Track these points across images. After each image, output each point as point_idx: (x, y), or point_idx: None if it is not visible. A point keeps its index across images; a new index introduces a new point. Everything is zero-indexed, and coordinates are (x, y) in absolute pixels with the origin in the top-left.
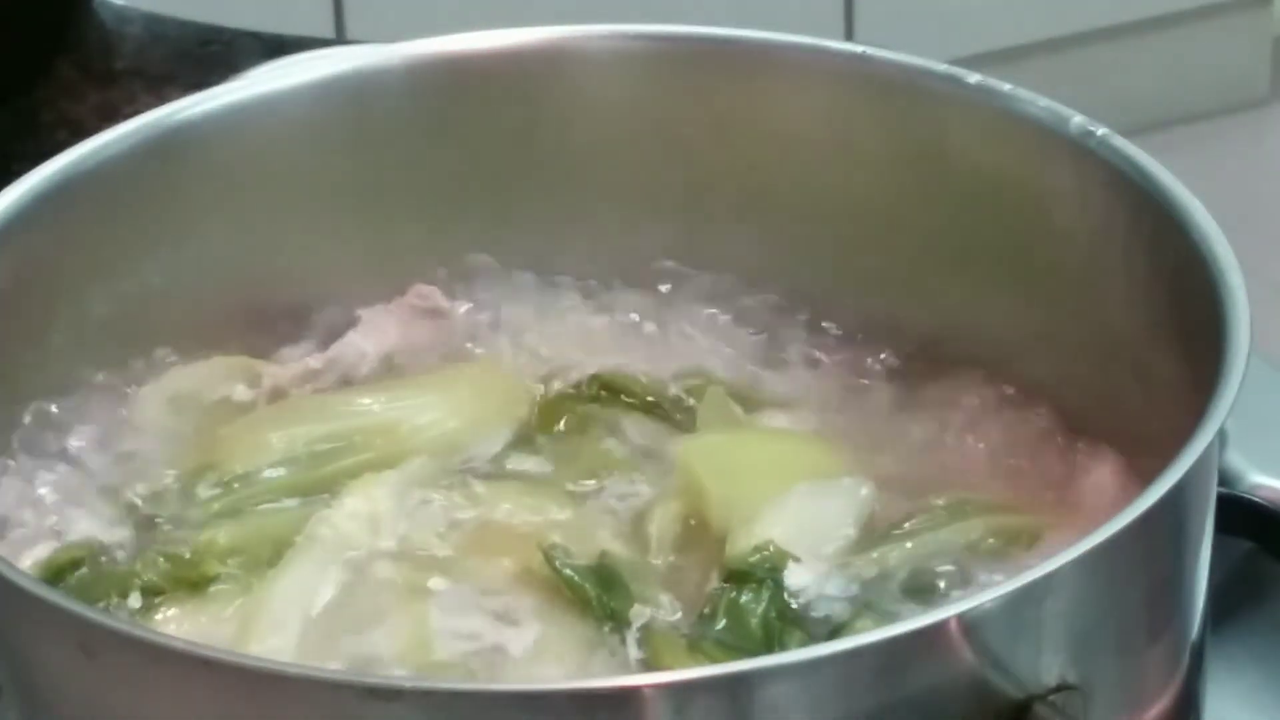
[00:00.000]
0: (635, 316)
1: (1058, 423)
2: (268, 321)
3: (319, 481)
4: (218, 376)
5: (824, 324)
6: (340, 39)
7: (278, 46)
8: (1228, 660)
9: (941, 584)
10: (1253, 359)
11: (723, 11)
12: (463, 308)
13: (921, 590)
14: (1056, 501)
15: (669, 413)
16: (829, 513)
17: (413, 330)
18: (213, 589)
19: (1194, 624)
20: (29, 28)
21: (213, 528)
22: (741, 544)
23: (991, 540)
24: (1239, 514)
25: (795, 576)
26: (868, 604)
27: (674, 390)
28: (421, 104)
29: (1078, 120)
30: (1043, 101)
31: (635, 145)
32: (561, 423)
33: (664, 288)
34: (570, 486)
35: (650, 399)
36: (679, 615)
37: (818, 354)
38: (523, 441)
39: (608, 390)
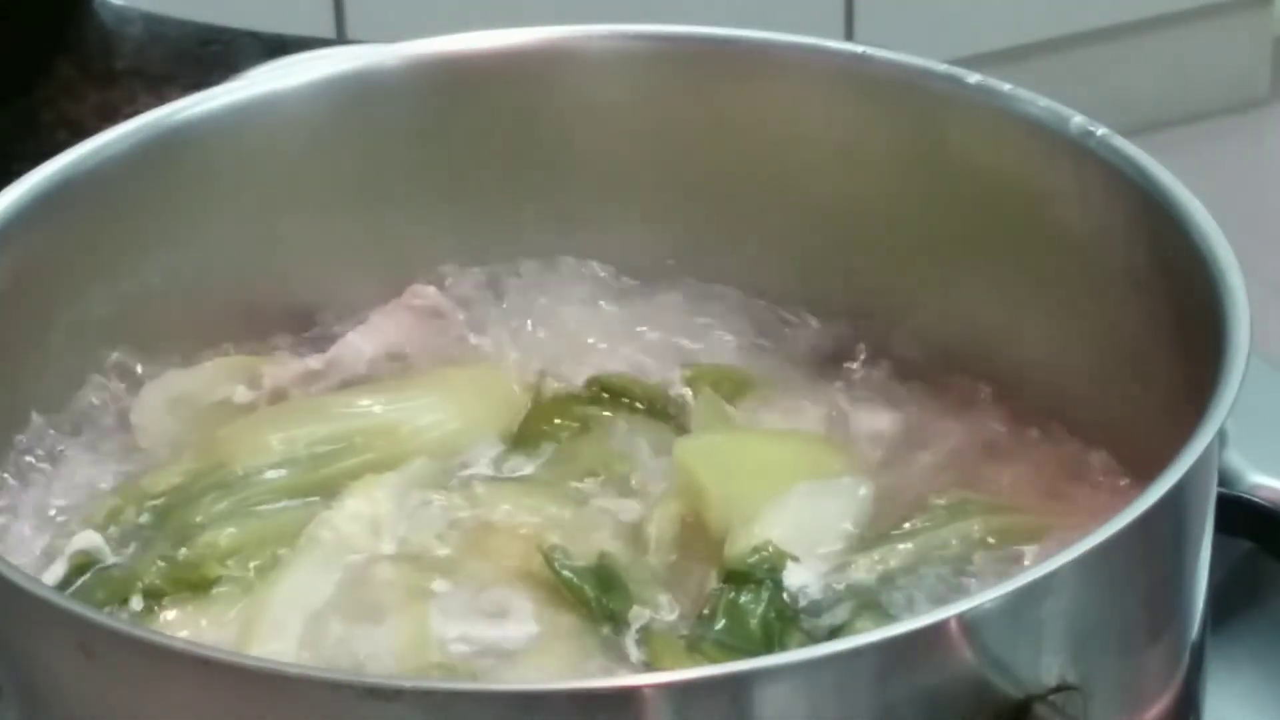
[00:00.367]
0: (635, 317)
1: (1058, 422)
2: (268, 322)
3: (319, 483)
4: (218, 378)
5: (823, 323)
6: (340, 39)
7: (278, 46)
8: (1228, 660)
9: (941, 584)
10: (1253, 359)
11: (723, 11)
12: (462, 308)
13: (921, 590)
14: (1056, 501)
15: (668, 414)
16: (828, 513)
17: (412, 331)
18: (214, 591)
19: (1194, 624)
20: (29, 28)
21: (214, 530)
22: (741, 544)
23: (991, 540)
24: (1239, 514)
25: (795, 576)
26: (868, 604)
27: (673, 391)
28: (421, 104)
29: (1078, 120)
30: (1043, 101)
31: (635, 145)
32: (561, 424)
33: (664, 287)
34: (569, 487)
35: (650, 400)
36: (678, 616)
37: (817, 354)
38: (522, 443)
39: (607, 391)
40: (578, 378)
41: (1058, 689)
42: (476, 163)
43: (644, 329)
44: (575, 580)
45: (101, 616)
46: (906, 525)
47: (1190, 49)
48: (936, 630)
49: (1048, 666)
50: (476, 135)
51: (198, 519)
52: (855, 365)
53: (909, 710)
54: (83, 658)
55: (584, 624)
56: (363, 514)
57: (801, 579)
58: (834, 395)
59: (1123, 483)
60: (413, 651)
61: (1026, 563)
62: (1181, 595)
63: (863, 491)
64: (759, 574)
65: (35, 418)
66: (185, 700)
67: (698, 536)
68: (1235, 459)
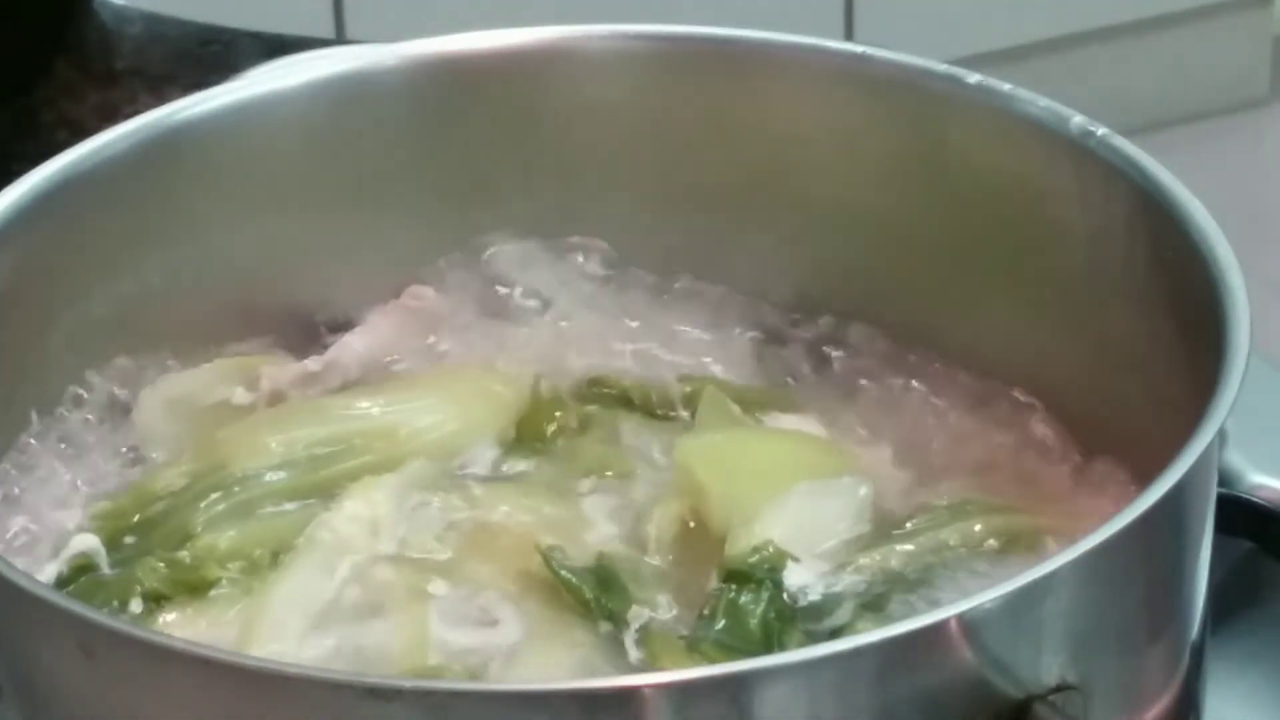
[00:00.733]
0: (635, 317)
1: (1057, 422)
2: (267, 322)
3: (319, 485)
4: (216, 380)
5: (823, 323)
6: (340, 39)
7: (278, 46)
8: (1228, 660)
9: (941, 584)
10: (1253, 359)
11: (723, 11)
12: (460, 309)
13: (921, 590)
14: (1057, 502)
15: (667, 414)
16: (828, 512)
17: (410, 332)
18: (213, 593)
19: (1194, 624)
20: (29, 28)
21: (213, 532)
22: (741, 544)
23: (992, 540)
24: (1239, 514)
25: (795, 576)
26: (868, 604)
27: (673, 392)
28: (421, 104)
29: (1078, 120)
30: (1043, 101)
31: (635, 145)
32: (560, 424)
33: (664, 287)
34: (568, 488)
35: (649, 400)
36: (677, 616)
37: (816, 353)
38: (521, 443)
39: (606, 392)
40: (577, 378)
41: (1058, 689)
42: (476, 162)
43: (643, 328)
44: (574, 580)
45: (102, 616)
46: (907, 525)
47: (1190, 49)
48: (936, 630)
49: (1048, 666)
50: (476, 135)
51: (197, 521)
52: (854, 364)
53: (909, 710)
54: (83, 658)
55: (583, 624)
56: (362, 515)
57: (801, 579)
58: (833, 395)
59: (1122, 483)
60: (412, 652)
61: (1026, 563)
62: (1181, 595)
63: (863, 491)
64: (759, 574)
65: (35, 418)
66: (185, 700)
67: (697, 536)
68: (1235, 459)
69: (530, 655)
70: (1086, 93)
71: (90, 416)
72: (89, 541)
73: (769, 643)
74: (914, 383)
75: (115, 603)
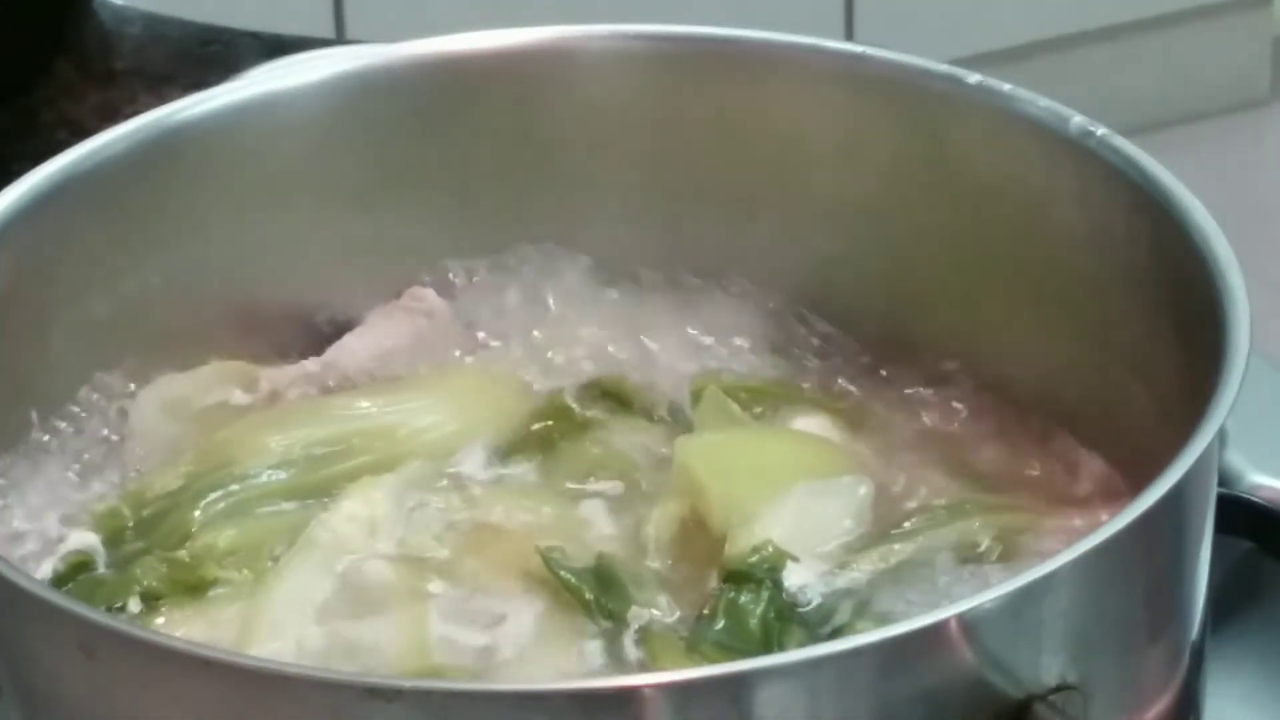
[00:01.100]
0: (635, 317)
1: (1057, 422)
2: (267, 322)
3: (317, 485)
4: (215, 381)
5: (823, 323)
6: (340, 39)
7: (278, 46)
8: (1228, 660)
9: (941, 584)
10: (1253, 359)
11: (723, 11)
12: (460, 310)
13: (921, 590)
14: (1057, 502)
15: (667, 415)
16: (828, 512)
17: (410, 333)
18: (212, 593)
19: (1194, 624)
20: (29, 28)
21: (211, 531)
22: (740, 544)
23: (991, 540)
24: (1239, 514)
25: (794, 576)
26: (868, 604)
27: (673, 392)
28: (421, 104)
29: (1078, 120)
30: (1043, 101)
31: (635, 145)
32: (559, 425)
33: (664, 288)
34: (568, 488)
35: (648, 401)
36: (677, 616)
37: (816, 353)
38: (520, 444)
39: (606, 392)
40: (577, 379)
41: (1058, 689)
42: (476, 162)
43: (644, 329)
44: (574, 581)
45: (102, 616)
46: (906, 525)
47: (1190, 49)
48: (936, 630)
49: (1048, 666)
50: (476, 135)
51: (196, 520)
52: (853, 364)
53: (909, 710)
54: (83, 658)
55: (583, 624)
56: (360, 515)
57: (801, 579)
58: (833, 394)
59: (1123, 482)
60: (412, 652)
61: (1026, 563)
62: (1181, 595)
63: (863, 491)
64: (759, 574)
65: (35, 417)
66: (185, 700)
67: (697, 536)
68: (1235, 459)
69: (530, 655)
70: (1086, 93)
71: (89, 416)
72: (87, 539)
73: (769, 643)
74: (912, 380)
75: (113, 602)
